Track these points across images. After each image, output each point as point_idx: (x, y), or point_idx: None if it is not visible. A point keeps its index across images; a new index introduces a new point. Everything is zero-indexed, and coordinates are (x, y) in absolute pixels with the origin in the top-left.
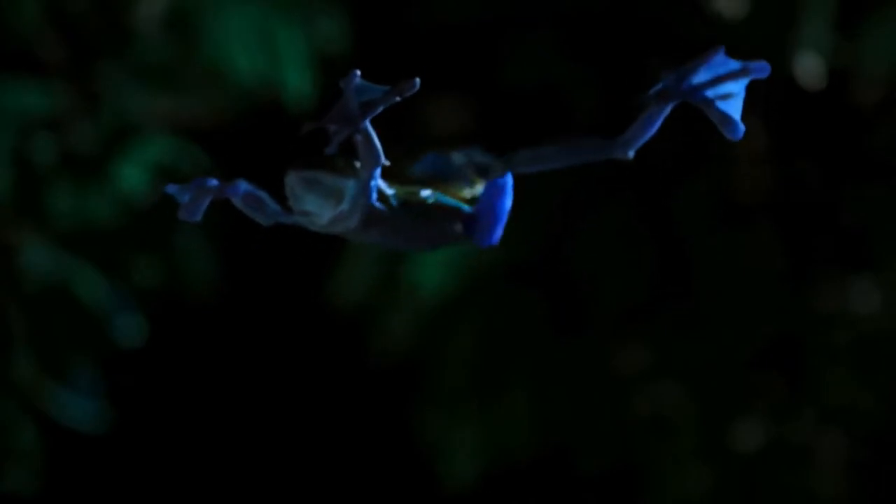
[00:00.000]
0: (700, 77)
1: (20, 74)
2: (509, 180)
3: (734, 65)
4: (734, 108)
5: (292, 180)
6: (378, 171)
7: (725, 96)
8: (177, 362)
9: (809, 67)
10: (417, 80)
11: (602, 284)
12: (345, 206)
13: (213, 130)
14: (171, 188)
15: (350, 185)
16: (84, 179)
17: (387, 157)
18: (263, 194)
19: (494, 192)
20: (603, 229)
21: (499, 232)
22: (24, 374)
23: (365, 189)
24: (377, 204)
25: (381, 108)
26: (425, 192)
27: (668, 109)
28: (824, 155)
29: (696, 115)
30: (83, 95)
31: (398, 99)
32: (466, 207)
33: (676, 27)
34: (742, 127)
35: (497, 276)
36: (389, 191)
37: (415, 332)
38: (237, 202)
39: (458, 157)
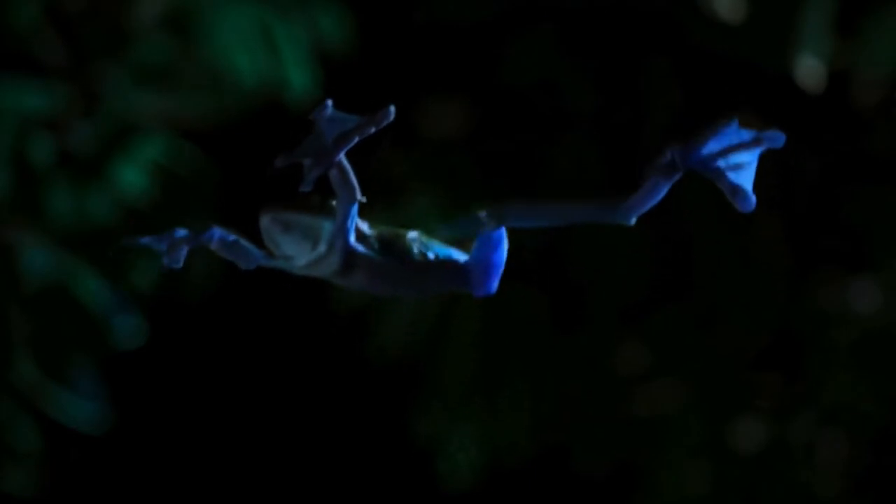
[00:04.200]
0: (710, 148)
1: (19, 74)
2: (502, 233)
3: (746, 135)
4: (746, 179)
5: (266, 223)
6: (355, 209)
7: (736, 166)
8: (176, 363)
9: (809, 69)
10: (392, 108)
11: (602, 284)
12: (322, 247)
13: (213, 131)
14: (145, 239)
15: (326, 226)
16: (83, 180)
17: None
18: (241, 240)
19: (487, 244)
20: (603, 229)
21: (495, 282)
22: (24, 375)
23: (342, 229)
24: (357, 246)
25: (355, 141)
26: (412, 235)
27: (674, 180)
28: (825, 155)
29: (696, 116)
30: (82, 95)
31: (373, 130)
32: (459, 255)
33: (676, 27)
34: (754, 198)
35: None
36: (370, 231)
37: (415, 332)
38: (214, 248)
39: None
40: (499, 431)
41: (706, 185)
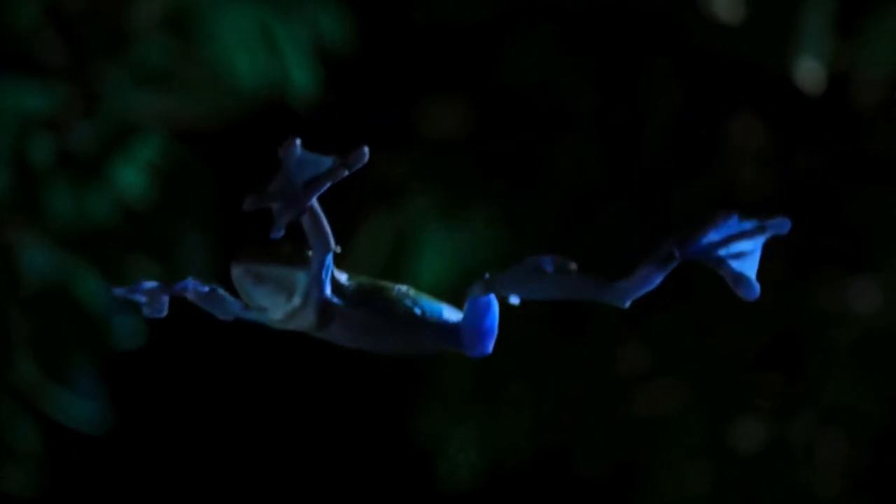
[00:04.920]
0: (710, 238)
1: (19, 74)
2: (491, 299)
3: (748, 225)
4: (749, 267)
5: (237, 274)
6: (330, 259)
7: (739, 254)
8: (176, 363)
9: (809, 71)
10: (366, 149)
11: None
12: (297, 300)
13: (213, 131)
14: (118, 291)
15: (301, 277)
16: (83, 180)
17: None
18: (218, 289)
19: (476, 311)
20: (603, 228)
21: (490, 345)
22: (23, 375)
23: (317, 280)
24: (334, 298)
25: (328, 185)
26: (401, 289)
27: (671, 268)
28: (825, 155)
29: (695, 117)
30: (82, 95)
31: (346, 173)
32: (451, 312)
33: (676, 27)
34: (758, 287)
35: None
36: (349, 282)
37: None
38: (190, 298)
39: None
40: (499, 432)
41: (706, 185)
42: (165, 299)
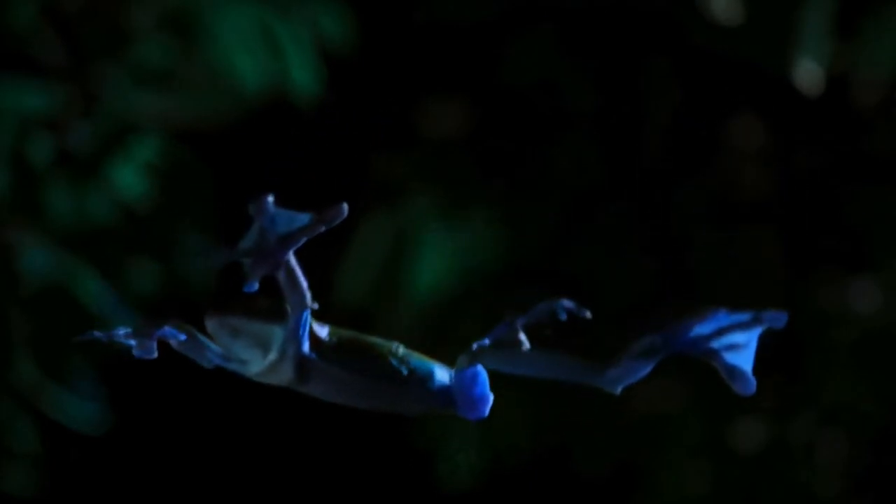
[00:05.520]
0: (699, 331)
1: (18, 74)
2: (477, 370)
3: (742, 317)
4: (744, 360)
5: (212, 326)
6: (307, 315)
7: (732, 346)
8: (176, 363)
9: (808, 72)
10: (345, 205)
11: (602, 283)
12: (273, 356)
13: (213, 131)
14: (98, 334)
15: (277, 332)
16: (82, 180)
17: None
18: (197, 336)
19: (465, 381)
20: (603, 228)
21: (485, 410)
22: (23, 375)
23: (294, 337)
24: (311, 355)
25: (304, 241)
26: (391, 346)
27: (659, 359)
28: (825, 155)
29: (695, 117)
30: (81, 96)
31: (323, 229)
32: (442, 373)
33: (676, 28)
34: (754, 381)
35: (497, 276)
36: (329, 338)
37: (415, 333)
38: (173, 346)
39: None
40: (499, 432)
41: (706, 185)
42: (153, 343)
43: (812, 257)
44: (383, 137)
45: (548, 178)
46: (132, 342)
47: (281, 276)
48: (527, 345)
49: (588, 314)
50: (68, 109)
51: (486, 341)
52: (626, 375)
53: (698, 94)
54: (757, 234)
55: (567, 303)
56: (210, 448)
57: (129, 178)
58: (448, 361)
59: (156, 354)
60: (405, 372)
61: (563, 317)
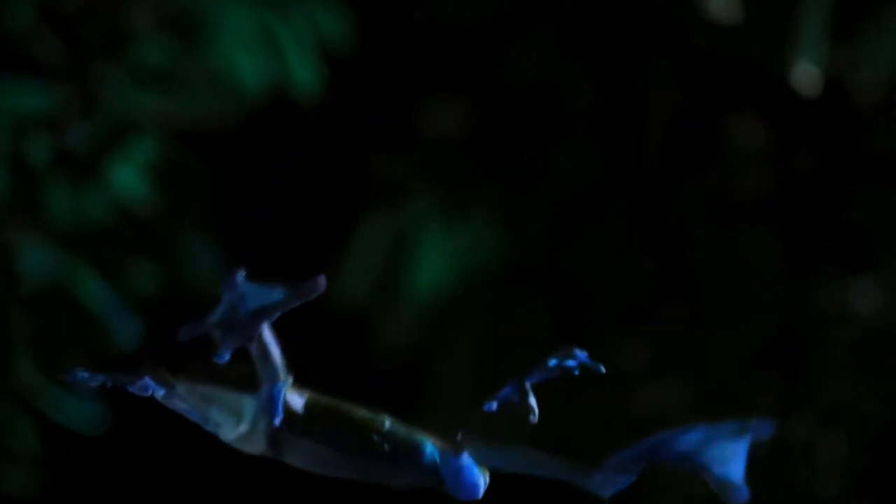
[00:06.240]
0: (684, 446)
1: (17, 74)
2: (463, 459)
3: (727, 429)
4: (734, 471)
5: (183, 391)
6: (281, 387)
7: (722, 459)
8: (176, 363)
9: (806, 73)
10: (323, 279)
11: (602, 283)
12: (244, 427)
13: (213, 132)
14: (82, 374)
15: (248, 402)
16: (81, 180)
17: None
18: (178, 391)
19: (451, 467)
20: (603, 228)
21: (478, 493)
22: (23, 375)
23: (265, 409)
24: (284, 427)
25: (277, 315)
26: (376, 419)
27: (645, 466)
28: (825, 155)
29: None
30: (81, 96)
31: (298, 303)
32: (432, 449)
33: (676, 27)
34: (745, 491)
35: (497, 276)
36: (305, 409)
37: (415, 333)
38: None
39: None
40: (499, 432)
41: (706, 185)
42: (149, 382)
43: (812, 257)
44: (383, 137)
45: (548, 178)
46: (126, 383)
47: (253, 348)
48: (536, 410)
49: (602, 369)
50: (68, 109)
51: (493, 405)
52: (612, 483)
53: (698, 93)
54: (757, 234)
55: (581, 354)
56: (209, 447)
57: (129, 178)
58: (448, 362)
59: (150, 393)
60: (387, 448)
61: (577, 373)
